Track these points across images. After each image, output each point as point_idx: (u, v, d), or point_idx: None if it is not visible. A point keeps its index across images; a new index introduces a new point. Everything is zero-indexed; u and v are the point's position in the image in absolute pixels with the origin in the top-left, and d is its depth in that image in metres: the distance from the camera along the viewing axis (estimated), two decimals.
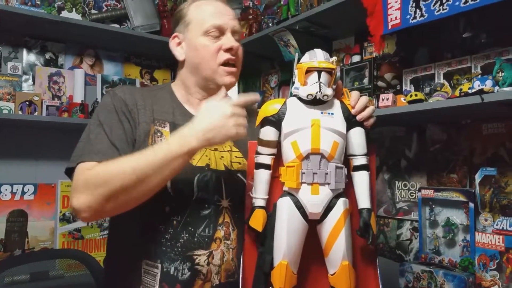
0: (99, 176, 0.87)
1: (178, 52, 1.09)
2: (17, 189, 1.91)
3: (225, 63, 1.04)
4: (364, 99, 0.89)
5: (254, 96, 0.94)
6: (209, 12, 1.05)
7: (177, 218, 0.97)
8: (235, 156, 1.07)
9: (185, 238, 0.96)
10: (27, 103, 1.82)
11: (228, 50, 1.03)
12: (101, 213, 0.89)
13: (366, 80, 1.51)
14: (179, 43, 1.09)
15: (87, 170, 0.90)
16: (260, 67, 2.30)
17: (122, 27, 2.14)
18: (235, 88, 2.46)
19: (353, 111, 0.87)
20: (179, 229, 0.96)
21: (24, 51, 1.99)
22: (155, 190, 0.89)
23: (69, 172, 0.95)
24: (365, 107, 0.88)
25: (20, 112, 1.80)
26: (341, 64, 1.73)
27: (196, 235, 0.97)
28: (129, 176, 0.85)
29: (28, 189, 1.93)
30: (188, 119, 0.93)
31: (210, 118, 0.87)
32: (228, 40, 1.04)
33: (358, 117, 0.87)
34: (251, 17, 2.11)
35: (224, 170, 1.03)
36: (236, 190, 1.02)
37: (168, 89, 1.12)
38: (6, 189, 1.88)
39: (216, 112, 0.87)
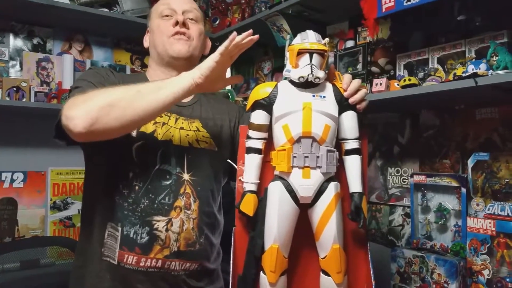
0: (97, 91, 0.92)
1: (145, 40, 1.22)
2: (5, 177, 1.88)
3: (175, 35, 1.11)
4: (357, 82, 0.88)
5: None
6: (164, 0, 1.18)
7: (139, 184, 1.02)
8: (203, 136, 1.12)
9: (145, 203, 1.01)
10: (15, 89, 1.78)
11: (176, 24, 1.12)
12: (92, 124, 0.86)
13: (359, 66, 1.49)
14: (148, 35, 1.21)
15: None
16: (253, 54, 2.27)
17: (111, 11, 2.09)
18: (228, 73, 2.46)
19: (345, 94, 0.86)
20: (140, 195, 1.01)
21: (11, 36, 1.94)
22: (145, 117, 0.92)
23: (58, 132, 0.97)
24: (358, 90, 0.87)
25: (7, 98, 1.76)
26: (335, 50, 1.71)
27: (156, 202, 1.02)
28: (129, 90, 0.91)
29: (18, 177, 1.90)
30: None
31: None
32: (177, 16, 1.13)
33: (351, 100, 0.86)
34: (243, 1, 2.07)
35: (188, 147, 1.08)
36: (200, 166, 1.08)
37: (142, 76, 1.20)
38: None
39: None
